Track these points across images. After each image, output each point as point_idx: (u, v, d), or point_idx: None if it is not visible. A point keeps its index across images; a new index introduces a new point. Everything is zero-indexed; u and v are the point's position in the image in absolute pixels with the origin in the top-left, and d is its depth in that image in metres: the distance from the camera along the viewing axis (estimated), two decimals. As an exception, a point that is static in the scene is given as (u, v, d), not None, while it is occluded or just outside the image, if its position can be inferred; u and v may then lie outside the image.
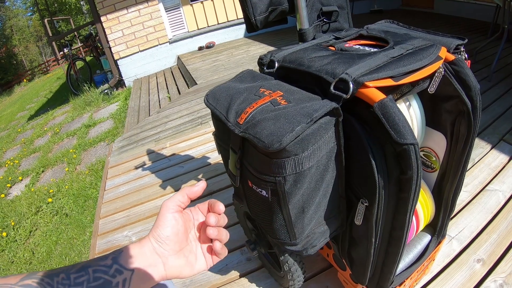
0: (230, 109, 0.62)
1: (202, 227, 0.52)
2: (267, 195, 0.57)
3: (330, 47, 0.76)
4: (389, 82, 0.57)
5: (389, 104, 0.53)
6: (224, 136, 0.71)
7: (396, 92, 0.65)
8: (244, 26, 5.58)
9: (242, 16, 5.46)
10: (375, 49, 0.69)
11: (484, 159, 1.61)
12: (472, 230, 1.23)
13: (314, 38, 0.96)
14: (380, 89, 0.56)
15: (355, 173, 0.61)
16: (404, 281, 0.89)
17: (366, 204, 0.60)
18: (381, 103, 0.53)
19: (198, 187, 0.50)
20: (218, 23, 5.49)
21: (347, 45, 0.77)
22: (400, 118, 0.52)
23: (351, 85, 0.54)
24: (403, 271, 0.88)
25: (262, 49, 4.70)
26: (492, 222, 1.25)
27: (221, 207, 0.49)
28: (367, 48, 0.73)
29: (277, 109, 0.55)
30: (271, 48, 4.63)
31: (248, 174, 0.60)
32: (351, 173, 0.63)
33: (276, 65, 0.74)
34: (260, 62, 0.79)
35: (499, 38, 2.42)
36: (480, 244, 1.16)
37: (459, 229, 1.24)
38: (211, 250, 0.50)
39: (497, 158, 1.61)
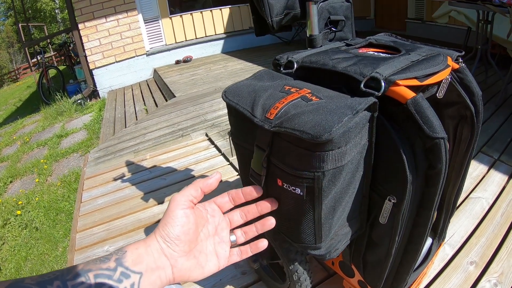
0: (256, 104, 0.61)
1: (219, 224, 0.48)
2: (301, 193, 0.55)
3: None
4: (415, 82, 0.60)
5: (421, 100, 0.55)
6: (245, 134, 0.69)
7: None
8: (221, 42, 5.66)
9: (224, 30, 5.49)
10: (391, 55, 0.72)
11: (464, 169, 1.71)
12: (462, 235, 1.29)
13: (321, 46, 0.98)
14: (407, 88, 0.58)
15: (381, 171, 0.62)
16: (412, 284, 0.90)
17: (393, 201, 0.60)
18: (414, 100, 0.54)
19: (213, 179, 0.46)
20: (196, 38, 5.51)
21: (360, 51, 0.79)
22: (432, 114, 0.54)
23: (383, 83, 0.56)
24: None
25: (240, 64, 4.75)
26: (479, 226, 1.32)
27: (257, 190, 0.48)
28: (381, 54, 0.76)
29: (311, 104, 0.55)
30: (249, 64, 4.70)
31: (278, 172, 0.59)
32: (376, 171, 0.63)
33: (295, 65, 0.74)
34: (277, 63, 0.79)
35: (472, 58, 2.62)
36: (471, 248, 1.22)
37: (450, 234, 1.29)
38: (223, 250, 0.47)
39: (477, 168, 1.71)
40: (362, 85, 0.58)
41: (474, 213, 1.39)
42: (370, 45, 0.85)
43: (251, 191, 0.49)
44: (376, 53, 0.77)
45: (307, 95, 0.59)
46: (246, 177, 0.70)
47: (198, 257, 0.43)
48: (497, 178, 1.61)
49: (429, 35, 4.71)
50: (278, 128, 0.54)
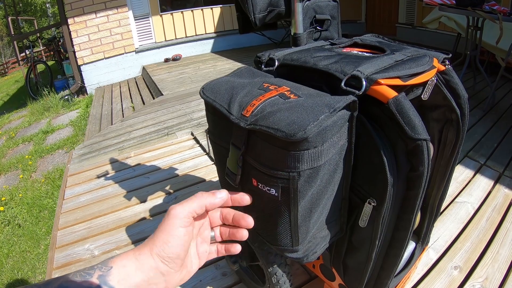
0: (233, 102, 0.59)
1: (203, 225, 0.46)
2: (276, 194, 0.53)
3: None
4: (398, 82, 0.58)
5: (403, 100, 0.53)
6: (222, 131, 0.67)
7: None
8: (211, 41, 5.63)
9: (214, 29, 5.46)
10: (375, 54, 0.70)
11: (450, 173, 1.72)
12: (447, 239, 1.28)
13: (305, 45, 0.96)
14: (390, 87, 0.56)
15: (361, 172, 0.60)
16: (393, 289, 0.89)
17: (373, 204, 0.58)
18: (395, 100, 0.52)
19: (219, 199, 0.43)
20: (186, 36, 5.46)
21: (344, 50, 0.77)
22: (414, 114, 0.52)
23: (364, 82, 0.54)
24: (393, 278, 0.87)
25: (229, 64, 4.73)
26: (464, 231, 1.32)
27: (249, 220, 0.44)
28: (365, 54, 0.74)
29: (288, 102, 0.53)
30: (238, 64, 4.67)
31: (253, 172, 0.56)
32: (356, 173, 0.61)
33: (277, 63, 0.72)
34: (258, 60, 0.77)
35: (460, 64, 2.64)
36: (456, 252, 1.21)
37: (434, 238, 1.28)
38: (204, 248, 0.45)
39: (463, 173, 1.72)
40: (342, 84, 0.56)
41: (459, 218, 1.39)
42: (355, 44, 0.83)
43: (240, 220, 0.45)
44: (360, 53, 0.75)
45: (285, 92, 0.57)
46: (223, 176, 0.68)
47: (187, 263, 0.41)
48: (482, 183, 1.62)
49: (419, 40, 4.76)
50: (253, 126, 0.52)
